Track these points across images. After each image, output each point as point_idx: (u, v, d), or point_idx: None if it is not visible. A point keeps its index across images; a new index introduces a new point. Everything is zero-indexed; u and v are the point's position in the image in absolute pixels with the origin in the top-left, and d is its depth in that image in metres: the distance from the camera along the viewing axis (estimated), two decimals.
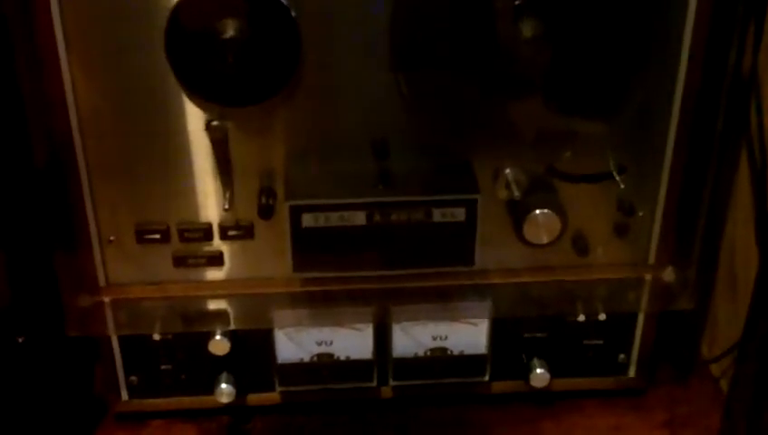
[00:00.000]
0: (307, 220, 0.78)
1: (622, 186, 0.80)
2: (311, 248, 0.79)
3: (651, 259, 0.85)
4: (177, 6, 0.71)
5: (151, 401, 0.89)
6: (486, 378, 0.89)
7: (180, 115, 0.76)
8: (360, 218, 0.78)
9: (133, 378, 0.87)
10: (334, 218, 0.78)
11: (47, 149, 0.77)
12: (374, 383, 0.89)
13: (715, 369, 0.95)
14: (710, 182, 0.84)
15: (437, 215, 0.78)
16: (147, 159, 0.78)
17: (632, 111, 0.79)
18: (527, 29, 0.73)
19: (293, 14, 0.71)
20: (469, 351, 0.87)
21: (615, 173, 0.81)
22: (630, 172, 0.81)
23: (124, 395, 0.88)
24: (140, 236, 0.80)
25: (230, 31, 0.71)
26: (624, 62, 0.76)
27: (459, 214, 0.78)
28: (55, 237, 0.80)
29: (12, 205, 0.80)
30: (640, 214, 0.83)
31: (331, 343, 0.86)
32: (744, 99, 0.83)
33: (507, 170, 0.79)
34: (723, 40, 0.77)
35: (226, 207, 0.79)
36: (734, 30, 0.78)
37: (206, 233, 0.81)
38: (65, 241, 0.80)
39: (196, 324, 0.84)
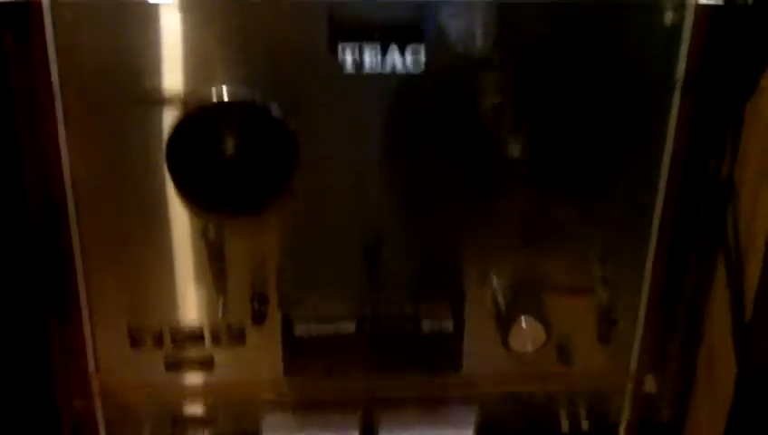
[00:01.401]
0: (299, 330, 0.80)
1: (604, 296, 0.83)
2: (301, 354, 0.81)
3: (632, 367, 0.87)
4: (180, 123, 0.73)
5: None
6: None
7: (176, 221, 0.78)
8: (350, 328, 0.80)
9: None
10: (325, 328, 0.79)
11: (46, 257, 0.78)
12: None
13: None
14: (689, 291, 0.86)
15: (426, 325, 0.80)
16: (141, 263, 0.79)
17: (613, 222, 0.82)
18: (511, 138, 0.76)
19: (290, 128, 0.74)
20: None
21: (598, 284, 0.83)
22: (612, 282, 0.83)
23: None
24: (134, 340, 0.82)
25: (229, 147, 0.74)
26: (605, 173, 0.79)
27: (447, 324, 0.80)
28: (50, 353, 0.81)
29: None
30: (621, 323, 0.85)
31: None
32: (722, 208, 0.86)
33: (494, 280, 0.82)
34: (702, 148, 0.80)
35: (221, 314, 0.80)
36: (714, 138, 0.81)
37: (198, 337, 0.82)
38: (61, 351, 0.81)
39: (186, 429, 0.84)
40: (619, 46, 0.75)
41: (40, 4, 0.68)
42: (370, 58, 0.72)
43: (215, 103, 0.73)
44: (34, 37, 0.70)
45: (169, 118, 0.74)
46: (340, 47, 0.71)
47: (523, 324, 0.81)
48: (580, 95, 0.75)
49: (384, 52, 0.72)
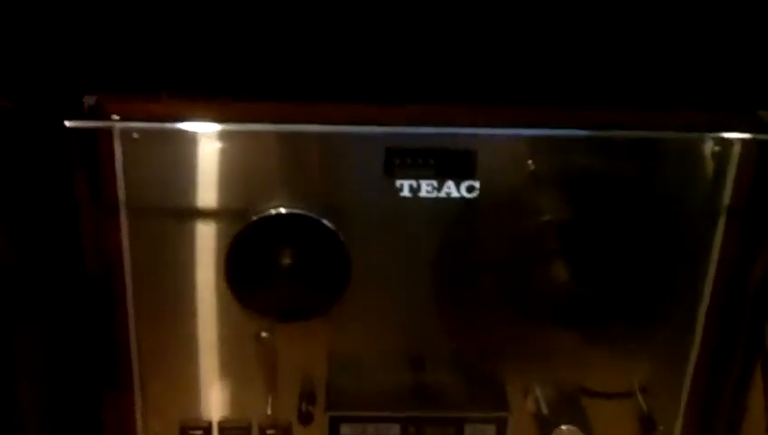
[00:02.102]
0: (345, 430, 0.82)
1: (644, 407, 0.84)
2: None
3: None
4: (238, 235, 0.76)
5: None
6: None
7: (232, 324, 0.81)
8: (395, 431, 0.82)
9: None
10: (371, 430, 0.82)
11: (104, 352, 0.81)
12: None
13: None
14: (727, 400, 0.87)
15: (469, 430, 0.82)
16: (196, 360, 0.82)
17: (655, 333, 0.83)
18: (560, 270, 0.78)
19: (342, 238, 0.77)
20: None
21: (638, 393, 0.85)
22: (652, 389, 0.85)
23: None
24: (184, 432, 0.84)
25: (285, 258, 0.77)
26: (649, 287, 0.81)
27: (490, 431, 0.82)
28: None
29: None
30: (661, 428, 0.86)
31: None
32: (762, 321, 0.88)
33: (536, 388, 0.83)
34: (744, 265, 0.82)
35: (269, 412, 0.83)
36: (755, 257, 0.83)
37: (246, 431, 0.85)
38: None
39: None
40: (666, 177, 0.77)
41: (111, 130, 0.71)
42: (427, 187, 0.75)
43: (271, 216, 0.76)
44: (104, 156, 0.72)
45: (229, 229, 0.77)
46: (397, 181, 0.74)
47: (564, 431, 0.83)
48: (627, 221, 0.78)
49: (440, 186, 0.75)
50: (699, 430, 0.88)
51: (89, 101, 0.71)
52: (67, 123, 0.67)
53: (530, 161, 0.75)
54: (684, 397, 0.86)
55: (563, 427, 0.83)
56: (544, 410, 0.83)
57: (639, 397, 0.85)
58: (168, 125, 0.71)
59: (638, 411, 0.86)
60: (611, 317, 0.81)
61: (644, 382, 0.85)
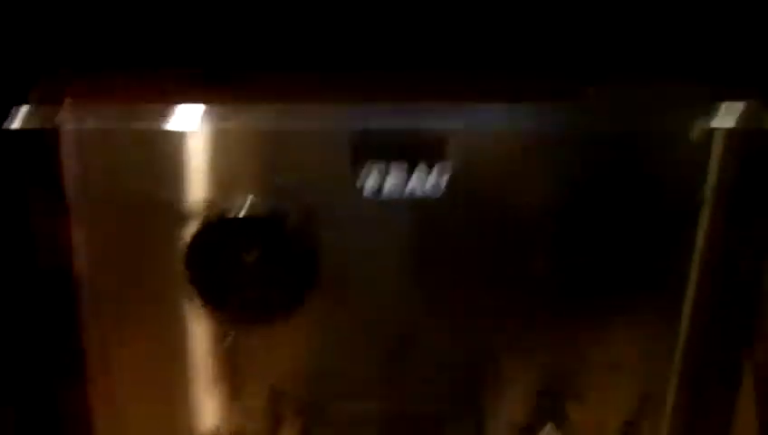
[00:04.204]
0: None
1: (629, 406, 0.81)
2: None
3: None
4: (197, 235, 0.73)
5: None
6: None
7: (194, 328, 0.77)
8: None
9: None
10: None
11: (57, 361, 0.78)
12: None
13: None
14: (714, 404, 0.85)
15: (449, 430, 0.79)
16: (158, 370, 0.79)
17: (639, 334, 0.80)
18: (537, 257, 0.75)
19: (307, 241, 0.74)
20: None
21: (622, 392, 0.82)
22: (637, 392, 0.82)
23: None
24: None
25: (248, 259, 0.73)
26: (631, 276, 0.77)
27: (469, 431, 0.79)
28: None
29: None
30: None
31: None
32: (750, 320, 0.84)
33: (517, 386, 0.81)
34: (731, 262, 0.78)
35: (236, 420, 0.80)
36: (743, 251, 0.79)
37: None
38: None
39: None
40: (648, 162, 0.74)
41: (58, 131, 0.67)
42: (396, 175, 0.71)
43: (234, 217, 0.73)
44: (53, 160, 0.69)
45: (190, 228, 0.73)
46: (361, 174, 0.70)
47: (548, 433, 0.80)
48: (606, 216, 0.74)
49: (410, 173, 0.71)
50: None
51: (34, 97, 0.67)
52: (9, 124, 0.63)
53: (506, 144, 0.71)
54: (668, 401, 0.83)
55: (548, 426, 0.80)
56: (526, 412, 0.80)
57: (624, 396, 0.82)
58: (122, 124, 0.67)
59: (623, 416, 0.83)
60: (593, 308, 0.78)
61: (628, 375, 0.82)
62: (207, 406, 0.80)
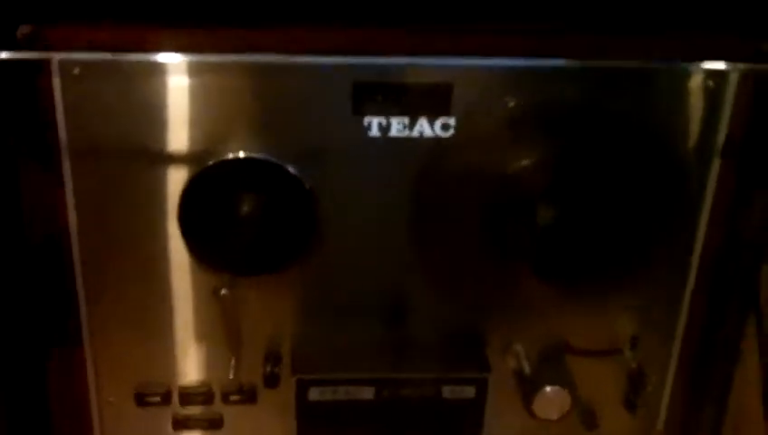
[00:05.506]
0: (314, 394, 0.76)
1: (633, 365, 0.79)
2: (316, 421, 0.77)
3: (659, 428, 0.84)
4: (192, 181, 0.70)
5: None
6: None
7: (188, 280, 0.75)
8: (368, 393, 0.76)
9: None
10: (342, 393, 0.76)
11: (51, 313, 0.75)
12: None
13: None
14: (720, 356, 0.83)
15: (447, 392, 0.77)
16: (150, 320, 0.76)
17: (644, 283, 0.78)
18: (544, 213, 0.72)
19: (307, 186, 0.71)
20: None
21: (626, 348, 0.80)
22: (641, 344, 0.80)
23: None
24: (140, 398, 0.78)
25: (245, 207, 0.70)
26: (637, 232, 0.75)
27: (469, 391, 0.77)
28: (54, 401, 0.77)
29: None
30: (650, 388, 0.81)
31: None
32: (755, 272, 0.83)
33: (518, 345, 0.78)
34: (738, 213, 0.77)
35: (231, 376, 0.77)
36: (751, 203, 0.78)
37: (208, 396, 0.79)
38: (64, 403, 0.78)
39: None
40: (656, 111, 0.71)
41: (49, 62, 0.64)
42: (397, 126, 0.68)
43: (230, 160, 0.70)
44: (43, 93, 0.66)
45: (183, 175, 0.70)
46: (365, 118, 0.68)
47: (549, 391, 0.77)
48: (614, 160, 0.72)
49: (412, 124, 0.69)
50: (690, 391, 0.83)
51: (23, 30, 0.64)
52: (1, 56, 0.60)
53: (509, 96, 0.69)
54: (674, 352, 0.81)
55: (548, 387, 0.78)
56: (527, 370, 0.78)
57: (628, 352, 0.80)
58: (112, 56, 0.64)
59: (627, 368, 0.81)
60: (598, 266, 0.75)
61: (632, 337, 0.80)
62: (202, 361, 0.78)
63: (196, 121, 0.69)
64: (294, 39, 0.66)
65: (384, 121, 0.69)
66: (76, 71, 0.66)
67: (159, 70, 0.67)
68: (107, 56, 0.64)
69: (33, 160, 0.69)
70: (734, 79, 0.70)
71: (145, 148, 0.70)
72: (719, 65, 0.69)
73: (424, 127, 0.69)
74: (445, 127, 0.69)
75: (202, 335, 0.77)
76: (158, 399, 0.79)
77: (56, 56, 0.63)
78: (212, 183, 0.70)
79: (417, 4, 0.70)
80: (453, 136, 0.70)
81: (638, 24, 0.72)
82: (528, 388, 0.78)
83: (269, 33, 0.66)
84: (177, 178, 0.71)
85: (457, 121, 0.69)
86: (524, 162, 0.72)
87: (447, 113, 0.69)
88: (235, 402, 0.79)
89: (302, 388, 0.76)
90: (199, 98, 0.68)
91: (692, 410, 0.84)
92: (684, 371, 0.82)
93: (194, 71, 0.67)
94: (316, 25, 0.67)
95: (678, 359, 0.82)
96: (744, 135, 0.71)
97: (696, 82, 0.70)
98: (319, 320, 0.77)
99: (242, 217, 0.71)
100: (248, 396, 0.79)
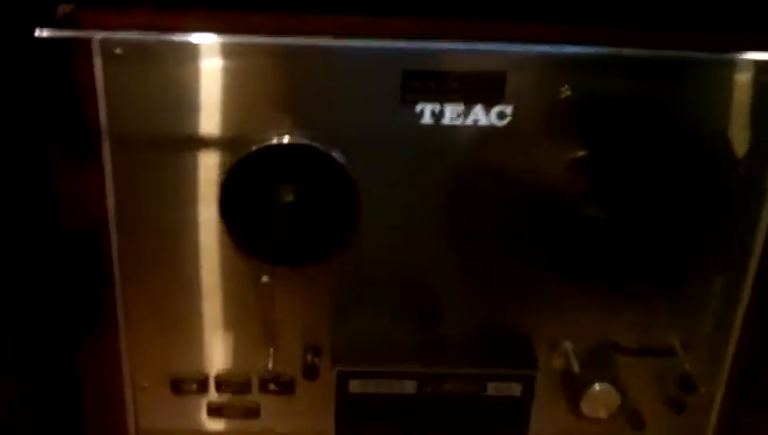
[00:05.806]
0: (354, 386, 0.74)
1: (686, 366, 0.76)
2: (356, 414, 0.75)
3: None
4: (234, 168, 0.68)
5: None
6: None
7: (228, 269, 0.73)
8: (410, 387, 0.74)
9: None
10: (383, 386, 0.74)
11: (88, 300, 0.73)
12: None
13: None
14: None
15: (492, 388, 0.74)
16: (190, 309, 0.74)
17: (698, 285, 0.75)
18: (593, 212, 0.70)
19: (353, 175, 0.68)
20: None
21: (678, 349, 0.77)
22: (693, 348, 0.77)
23: None
24: (177, 385, 0.76)
25: (287, 195, 0.68)
26: (694, 236, 0.73)
27: (515, 389, 0.74)
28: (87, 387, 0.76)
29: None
30: (702, 390, 0.79)
31: None
32: None
33: (567, 343, 0.76)
34: None
35: (270, 366, 0.75)
36: None
37: (245, 385, 0.77)
38: (97, 389, 0.76)
39: None
40: (718, 108, 0.68)
41: (89, 42, 0.61)
42: (451, 114, 0.65)
43: (274, 145, 0.67)
44: (83, 74, 0.63)
45: (225, 160, 0.68)
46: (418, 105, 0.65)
47: (598, 389, 0.75)
48: (665, 156, 0.69)
49: (467, 112, 0.66)
50: (743, 393, 0.80)
51: (63, 9, 0.61)
52: (38, 32, 0.58)
53: (564, 85, 0.66)
54: (728, 357, 0.78)
55: (596, 386, 0.75)
56: (575, 368, 0.75)
57: (680, 354, 0.77)
58: (158, 36, 0.61)
59: (677, 371, 0.78)
60: (650, 265, 0.72)
61: (684, 340, 0.77)
62: (240, 350, 0.76)
63: (239, 106, 0.66)
64: (346, 25, 0.63)
65: (437, 108, 0.66)
66: (118, 50, 0.63)
67: (204, 52, 0.64)
68: (150, 36, 0.62)
69: (69, 145, 0.67)
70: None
71: (186, 132, 0.67)
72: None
73: (479, 115, 0.66)
74: (501, 115, 0.66)
75: (240, 324, 0.75)
76: (194, 386, 0.77)
77: (97, 35, 0.61)
78: (255, 169, 0.68)
79: None
80: (509, 124, 0.67)
81: (703, 18, 0.69)
82: (577, 386, 0.76)
83: (321, 19, 0.63)
84: (218, 164, 0.68)
85: (514, 110, 0.66)
86: (579, 154, 0.69)
87: (503, 102, 0.66)
88: (273, 392, 0.77)
89: (342, 380, 0.74)
90: (243, 82, 0.66)
91: (742, 416, 0.81)
92: (736, 377, 0.79)
93: (239, 53, 0.64)
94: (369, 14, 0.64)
95: (731, 365, 0.79)
96: None
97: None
98: (359, 312, 0.74)
99: (284, 205, 0.69)
100: (286, 387, 0.77)
